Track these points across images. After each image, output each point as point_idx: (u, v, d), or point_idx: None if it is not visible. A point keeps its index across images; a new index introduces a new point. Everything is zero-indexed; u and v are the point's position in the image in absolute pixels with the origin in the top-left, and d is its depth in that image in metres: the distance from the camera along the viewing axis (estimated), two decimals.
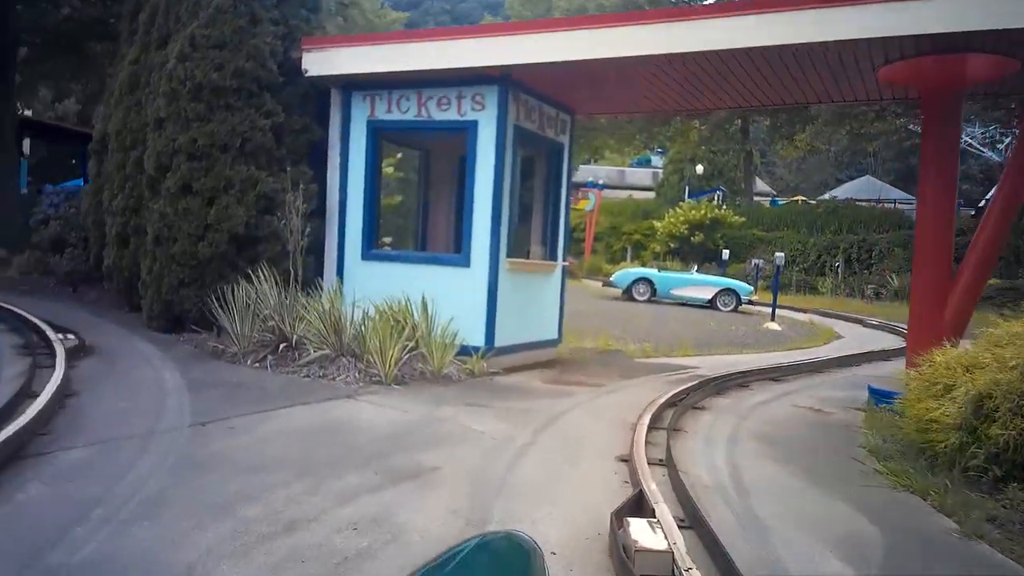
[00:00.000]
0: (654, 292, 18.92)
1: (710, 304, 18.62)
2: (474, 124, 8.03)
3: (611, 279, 19.53)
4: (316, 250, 8.77)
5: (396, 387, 6.57)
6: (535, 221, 9.57)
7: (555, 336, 9.63)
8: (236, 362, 7.08)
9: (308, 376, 6.66)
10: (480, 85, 7.99)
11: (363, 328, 6.92)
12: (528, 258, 9.33)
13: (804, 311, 19.90)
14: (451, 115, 8.14)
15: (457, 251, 8.30)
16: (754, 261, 25.85)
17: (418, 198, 10.04)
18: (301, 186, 8.28)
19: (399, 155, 13.35)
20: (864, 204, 33.53)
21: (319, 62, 8.35)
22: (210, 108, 8.37)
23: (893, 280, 25.55)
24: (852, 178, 61.73)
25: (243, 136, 8.31)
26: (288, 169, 8.57)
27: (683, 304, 18.97)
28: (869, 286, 26.17)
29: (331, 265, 8.74)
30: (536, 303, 9.10)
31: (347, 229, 8.66)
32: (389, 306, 7.65)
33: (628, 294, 19.04)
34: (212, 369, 6.81)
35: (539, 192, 9.61)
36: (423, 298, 7.60)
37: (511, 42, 7.45)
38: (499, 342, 8.08)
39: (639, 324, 14.05)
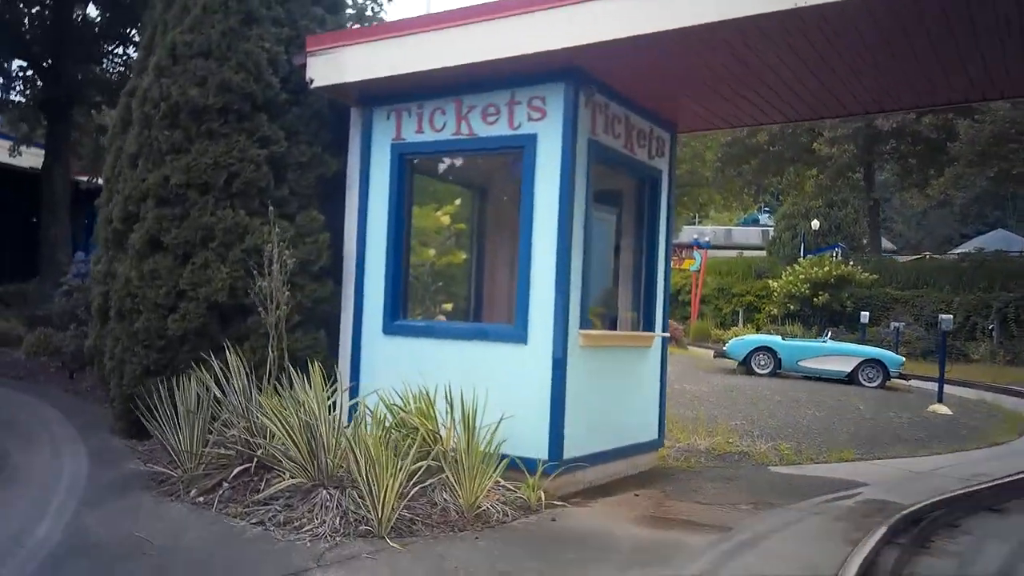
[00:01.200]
0: (778, 364, 15.81)
1: (849, 379, 15.34)
2: (531, 139, 5.66)
3: (725, 349, 16.56)
4: (329, 322, 6.52)
5: (394, 543, 4.08)
6: (622, 278, 7.03)
7: (654, 436, 6.95)
8: (175, 493, 4.79)
9: (265, 522, 4.27)
10: (538, 84, 5.64)
11: (355, 440, 4.51)
12: (613, 328, 6.78)
13: (968, 385, 16.24)
14: (500, 129, 5.81)
15: (510, 321, 5.84)
16: (893, 324, 22.20)
17: (471, 252, 7.68)
18: (292, 232, 6.10)
19: (458, 200, 11.13)
20: (1017, 256, 29.13)
21: (327, 67, 6.22)
22: (188, 136, 6.36)
23: None
24: (980, 232, 56.03)
25: (229, 171, 6.23)
26: (294, 214, 6.43)
27: (815, 379, 15.75)
28: None
29: (346, 342, 6.45)
30: (626, 391, 6.49)
31: (365, 293, 6.37)
32: (405, 401, 5.25)
33: (746, 366, 16.00)
34: (126, 509, 4.54)
35: (628, 238, 7.10)
36: (447, 389, 5.16)
37: (582, 12, 5.08)
38: (570, 452, 5.52)
39: (765, 408, 11.10)
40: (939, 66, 5.65)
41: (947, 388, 17.07)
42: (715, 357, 17.00)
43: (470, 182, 7.44)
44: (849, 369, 15.34)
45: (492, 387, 5.45)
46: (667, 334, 7.10)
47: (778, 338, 16.42)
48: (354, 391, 6.18)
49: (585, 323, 5.77)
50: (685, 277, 32.50)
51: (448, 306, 7.94)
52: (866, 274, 27.41)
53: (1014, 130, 22.97)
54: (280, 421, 4.56)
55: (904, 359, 15.73)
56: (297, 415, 4.52)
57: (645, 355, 6.79)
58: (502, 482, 5.08)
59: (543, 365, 5.51)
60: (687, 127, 7.47)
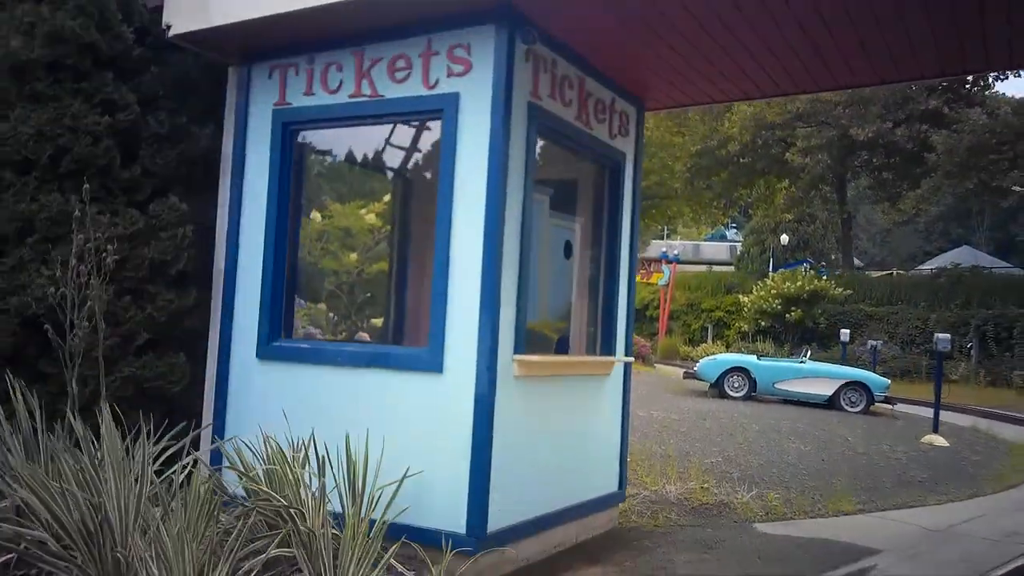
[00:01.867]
0: (753, 386, 14.53)
1: (830, 403, 14.10)
2: (452, 101, 4.24)
3: (696, 369, 15.25)
4: (193, 343, 5.02)
5: None
6: (576, 290, 5.63)
7: (614, 487, 5.51)
8: None
9: None
10: (462, 29, 4.23)
11: (162, 525, 2.99)
12: (560, 352, 5.36)
13: (954, 408, 15.09)
14: (413, 88, 4.38)
15: (423, 342, 4.38)
16: (870, 342, 21.13)
17: (391, 258, 6.19)
18: (140, 224, 4.61)
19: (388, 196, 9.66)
20: (998, 271, 28.38)
21: (189, 9, 4.74)
22: (6, 100, 4.83)
23: None
24: (944, 249, 55.91)
25: (57, 144, 4.71)
26: (146, 201, 4.94)
27: (792, 402, 14.50)
28: (1016, 372, 20.99)
29: (212, 368, 4.94)
30: (577, 433, 5.06)
31: (236, 306, 4.87)
32: (269, 456, 3.77)
33: (719, 388, 14.71)
34: None
35: (584, 239, 5.70)
36: (317, 447, 3.69)
37: None
38: (497, 520, 4.09)
39: (743, 441, 9.75)
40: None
41: (931, 412, 15.99)
42: (685, 378, 15.68)
43: (388, 166, 5.96)
44: (830, 392, 14.11)
45: (394, 432, 4.04)
46: (630, 358, 5.68)
47: (753, 358, 15.16)
48: (219, 431, 4.69)
49: (521, 346, 4.33)
50: (653, 292, 31.34)
51: (378, 322, 6.45)
52: (840, 289, 26.42)
53: (994, 140, 22.16)
54: (50, 496, 3.03)
55: (889, 381, 14.54)
56: (75, 486, 3.01)
57: (603, 386, 5.37)
58: (399, 568, 3.61)
59: (463, 402, 4.07)
60: (658, 102, 6.08)
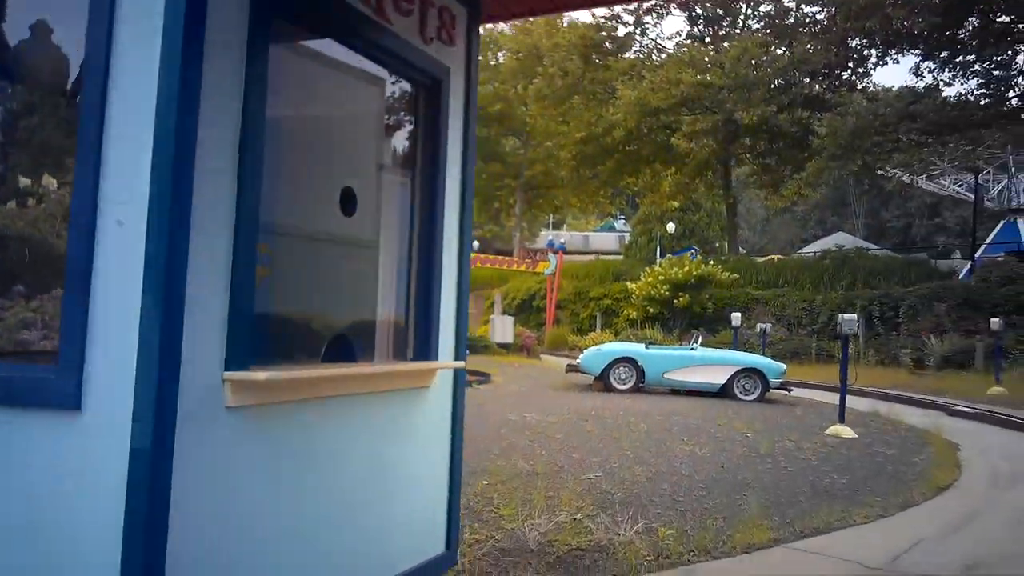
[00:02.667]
0: (641, 377, 13.21)
1: (723, 391, 12.95)
2: None
3: (579, 361, 13.81)
4: None
5: None
6: (383, 267, 3.84)
7: (440, 547, 3.75)
8: None
9: None
10: None
11: None
12: (339, 358, 3.54)
13: (852, 392, 14.28)
14: None
15: (55, 360, 2.48)
16: (760, 325, 20.38)
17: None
18: None
19: None
20: (880, 254, 28.55)
21: None
22: None
23: (932, 343, 20.18)
24: (819, 236, 57.65)
25: None
26: None
27: (683, 393, 13.28)
28: (904, 351, 20.75)
29: None
30: (365, 484, 3.25)
31: None
32: None
33: (604, 381, 13.30)
34: None
35: (392, 193, 3.91)
36: None
37: None
38: None
39: (629, 447, 8.24)
40: None
41: (827, 396, 15.17)
42: (568, 372, 14.21)
43: None
44: (723, 380, 12.95)
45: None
46: (461, 363, 3.94)
47: (641, 347, 13.85)
48: None
49: (245, 355, 2.50)
50: (540, 281, 30.07)
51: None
52: (727, 274, 25.81)
53: (878, 122, 21.91)
54: None
55: (785, 367, 13.53)
56: None
57: (416, 406, 3.61)
58: None
59: (110, 462, 2.22)
60: (493, 9, 4.36)
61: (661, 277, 25.19)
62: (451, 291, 3.94)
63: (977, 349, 18.15)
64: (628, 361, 13.29)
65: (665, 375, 13.17)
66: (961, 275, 26.76)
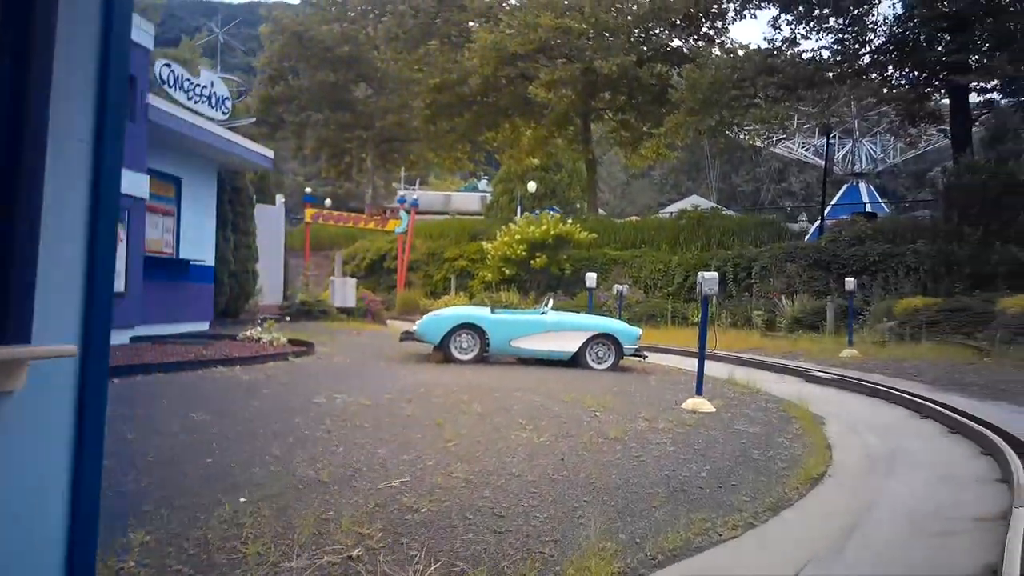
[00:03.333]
0: (486, 346, 11.69)
1: (575, 360, 11.66)
2: None
3: (415, 328, 12.10)
4: None
5: None
6: None
7: None
8: None
9: None
10: None
11: None
12: None
13: (708, 356, 13.43)
14: None
15: None
16: (616, 287, 19.43)
17: None
18: None
19: None
20: (733, 214, 28.45)
21: None
22: None
23: (784, 304, 19.96)
24: (675, 200, 58.73)
25: None
26: None
27: (531, 362, 11.90)
28: (756, 313, 20.45)
29: None
30: None
31: None
32: None
33: (444, 350, 11.69)
34: None
35: None
36: None
37: None
38: None
39: (455, 434, 6.63)
40: None
41: (683, 362, 14.30)
42: (402, 340, 12.47)
43: None
44: (575, 348, 11.64)
45: None
46: (71, 348, 2.10)
47: (485, 312, 12.30)
48: None
49: None
50: (391, 241, 28.05)
51: None
52: (585, 233, 24.81)
53: (736, 76, 21.28)
54: None
55: (640, 331, 12.40)
56: None
57: None
58: None
59: None
60: None
61: (518, 236, 23.84)
62: (75, 240, 2.11)
63: (828, 310, 17.97)
64: (471, 328, 11.72)
65: (512, 343, 11.71)
66: (809, 236, 27.06)
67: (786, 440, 7.13)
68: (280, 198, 24.83)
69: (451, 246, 28.16)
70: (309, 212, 24.24)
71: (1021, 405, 9.04)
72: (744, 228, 24.06)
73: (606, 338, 11.65)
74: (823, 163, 28.63)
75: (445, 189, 64.64)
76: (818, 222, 26.88)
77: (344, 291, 20.17)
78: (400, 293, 26.78)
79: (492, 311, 12.34)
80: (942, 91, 23.05)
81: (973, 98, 24.25)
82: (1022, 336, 13.06)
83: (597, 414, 7.85)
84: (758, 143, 44.89)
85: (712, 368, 12.39)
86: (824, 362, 13.64)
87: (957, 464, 6.61)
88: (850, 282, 14.24)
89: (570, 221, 25.32)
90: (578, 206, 43.54)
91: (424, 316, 12.61)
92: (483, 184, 64.05)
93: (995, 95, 23.07)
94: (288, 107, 34.90)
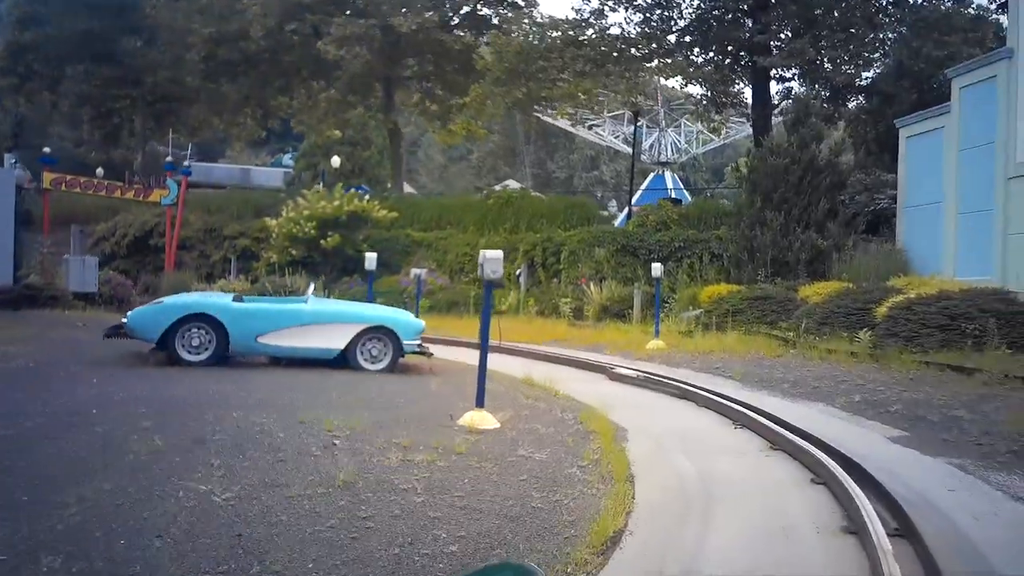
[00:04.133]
0: (226, 343, 9.18)
1: (344, 359, 9.45)
2: None
3: (125, 321, 9.35)
4: None
5: None
6: None
7: None
8: None
9: None
10: None
11: None
12: None
13: (508, 351, 11.69)
14: None
15: None
16: (414, 271, 17.39)
17: None
18: None
19: None
20: (543, 196, 27.25)
21: None
22: None
23: (592, 291, 18.83)
24: (491, 185, 58.00)
25: None
26: None
27: (286, 363, 9.55)
28: (564, 300, 19.18)
29: None
30: None
31: None
32: None
33: (169, 349, 9.06)
34: None
35: None
36: None
37: None
38: None
39: (94, 491, 4.24)
40: None
41: (472, 356, 12.56)
42: (106, 337, 9.62)
43: None
44: (342, 345, 9.43)
45: None
46: None
47: (225, 300, 9.74)
48: None
49: None
50: (158, 214, 24.25)
51: None
52: (384, 211, 22.51)
53: (544, 46, 19.83)
54: None
55: (423, 323, 10.42)
56: None
57: None
58: None
59: None
60: None
61: (306, 212, 21.08)
62: None
63: (635, 297, 16.97)
64: (205, 320, 9.15)
65: (260, 339, 9.27)
66: (619, 222, 26.44)
67: (579, 472, 5.39)
68: (10, 158, 20.44)
69: (232, 222, 24.76)
70: (48, 177, 20.13)
71: (838, 407, 7.99)
72: (554, 211, 22.79)
73: (382, 332, 9.53)
74: (632, 150, 28.15)
75: (246, 163, 59.69)
76: (627, 208, 26.32)
77: (82, 273, 16.63)
78: (168, 275, 23.16)
79: (235, 299, 9.82)
80: (745, 77, 23.03)
81: (775, 87, 24.56)
82: (826, 326, 12.46)
83: (336, 442, 5.73)
84: (568, 125, 44.69)
85: (510, 365, 10.69)
86: (630, 355, 12.36)
87: (789, 501, 5.15)
88: (656, 268, 13.05)
89: (367, 198, 22.89)
90: (389, 185, 41.12)
91: (139, 306, 9.85)
92: (288, 159, 59.79)
93: (794, 84, 23.42)
94: (39, 56, 29.62)
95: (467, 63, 23.10)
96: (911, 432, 6.71)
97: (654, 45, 20.99)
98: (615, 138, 46.51)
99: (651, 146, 46.94)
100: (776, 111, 23.38)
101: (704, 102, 24.92)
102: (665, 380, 9.52)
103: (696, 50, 21.84)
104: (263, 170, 56.32)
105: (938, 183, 15.75)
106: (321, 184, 33.13)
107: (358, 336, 9.40)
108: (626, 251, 20.06)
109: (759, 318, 14.10)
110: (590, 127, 49.61)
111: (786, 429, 6.69)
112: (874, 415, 7.42)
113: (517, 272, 21.30)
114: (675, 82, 27.47)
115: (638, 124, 25.43)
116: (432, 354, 10.07)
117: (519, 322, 17.64)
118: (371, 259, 12.95)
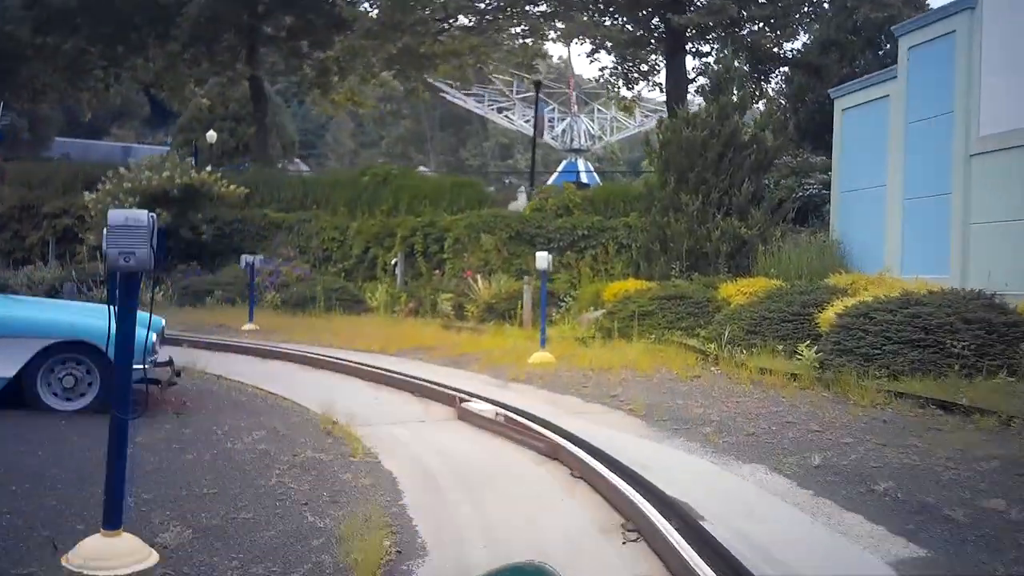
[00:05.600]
0: None
1: (18, 395, 5.93)
2: None
3: None
4: None
5: None
6: None
7: None
8: None
9: None
10: None
11: None
12: None
13: (361, 372, 8.42)
14: None
15: None
16: (245, 259, 13.86)
17: None
18: None
19: None
20: (430, 175, 23.92)
21: None
22: None
23: (479, 286, 15.69)
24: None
25: None
26: None
27: None
28: (445, 297, 15.94)
29: None
30: None
31: None
32: None
33: None
34: None
35: None
36: None
37: None
38: None
39: None
40: None
41: (309, 374, 9.21)
42: None
43: None
44: (12, 372, 5.93)
45: None
46: None
47: None
48: None
49: None
50: None
51: None
52: (232, 187, 18.75)
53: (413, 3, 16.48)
54: None
55: (164, 321, 7.00)
56: None
57: None
58: None
59: None
60: None
61: (127, 185, 17.17)
62: None
63: (525, 294, 13.90)
64: None
65: None
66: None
67: None
68: None
69: (54, 198, 20.49)
70: None
71: (788, 475, 5.05)
72: (440, 191, 19.49)
73: (83, 350, 6.06)
74: (534, 125, 25.12)
75: (128, 140, 54.42)
76: (528, 192, 23.26)
77: None
78: None
79: None
80: (660, 48, 20.33)
81: (691, 63, 22.01)
82: (755, 335, 9.65)
83: None
84: (476, 106, 41.72)
85: (325, 389, 7.45)
86: (503, 374, 9.25)
87: None
88: (542, 258, 9.88)
89: (209, 170, 19.04)
90: (280, 165, 37.07)
91: None
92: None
93: (711, 59, 20.86)
94: None
95: (335, 13, 19.51)
96: (929, 551, 3.75)
97: (557, 2, 17.99)
98: (526, 122, 43.63)
99: (563, 131, 44.32)
100: (693, 88, 20.81)
101: (614, 76, 22.16)
102: (533, 422, 6.39)
103: (608, 10, 18.94)
104: (149, 148, 50.92)
105: (881, 163, 13.21)
106: (193, 161, 28.88)
107: (40, 358, 5.91)
108: (521, 239, 17.00)
109: (672, 322, 11.22)
110: (499, 111, 46.66)
111: (710, 546, 3.68)
112: (853, 500, 4.48)
113: (392, 262, 17.95)
114: (583, 49, 24.54)
115: (539, 96, 22.45)
116: (177, 380, 6.63)
117: (384, 323, 14.33)
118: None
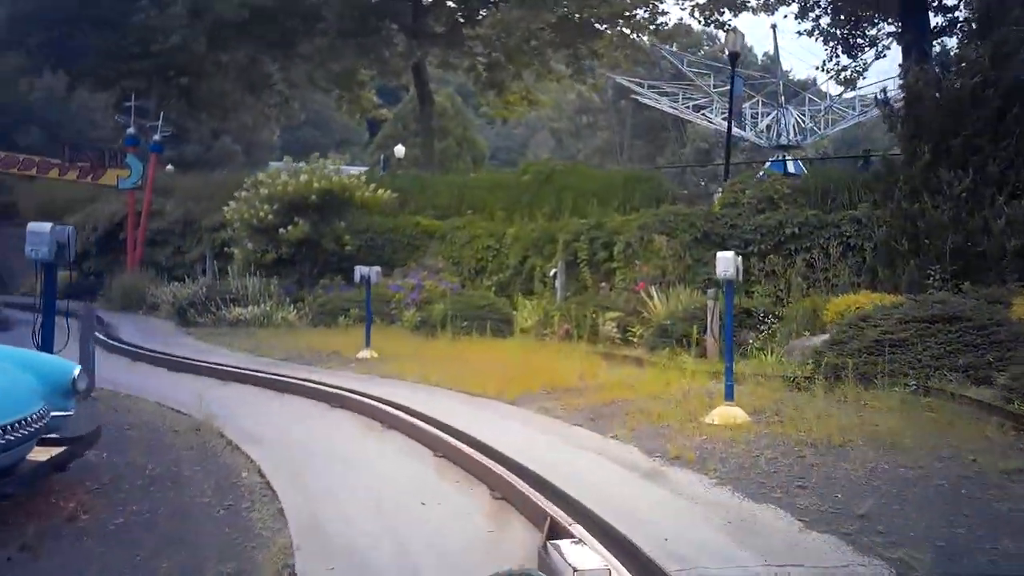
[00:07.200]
0: None
1: None
2: None
3: None
4: None
5: None
6: None
7: None
8: None
9: None
10: None
11: None
12: None
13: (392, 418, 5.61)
14: None
15: None
16: (361, 271, 11.53)
17: None
18: None
19: None
20: (598, 169, 20.80)
21: None
22: None
23: (655, 301, 12.31)
24: None
25: None
26: None
27: None
28: (610, 316, 12.69)
29: None
30: None
31: None
32: None
33: None
34: None
35: None
36: None
37: None
38: None
39: None
40: None
41: (378, 442, 6.44)
42: None
43: None
44: None
45: None
46: None
47: None
48: None
49: None
50: (122, 199, 19.68)
51: None
52: (381, 191, 16.74)
53: None
54: None
55: (76, 370, 4.49)
56: None
57: None
58: None
59: None
60: None
61: (264, 192, 15.67)
62: None
63: (709, 313, 10.39)
64: None
65: None
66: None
67: None
68: None
69: (214, 211, 19.77)
70: None
71: None
72: (611, 189, 16.27)
73: None
74: (730, 106, 21.14)
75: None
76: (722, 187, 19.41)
77: None
78: (130, 272, 18.51)
79: None
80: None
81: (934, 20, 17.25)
82: None
83: None
84: (657, 100, 38.34)
85: (383, 475, 4.63)
86: (663, 442, 5.94)
87: None
88: (725, 260, 6.38)
89: (355, 174, 17.20)
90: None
91: None
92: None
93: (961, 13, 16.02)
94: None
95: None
96: None
97: None
98: (723, 118, 39.19)
99: (768, 127, 39.36)
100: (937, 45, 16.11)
101: (832, 41, 17.88)
102: None
103: None
104: (356, 168, 52.42)
105: None
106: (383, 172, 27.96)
107: None
108: (709, 241, 13.36)
109: (939, 358, 7.28)
110: (696, 108, 42.58)
111: None
112: None
113: (551, 272, 15.01)
114: (790, 13, 20.37)
115: (735, 69, 18.64)
116: (76, 455, 4.04)
117: (527, 350, 11.35)
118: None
